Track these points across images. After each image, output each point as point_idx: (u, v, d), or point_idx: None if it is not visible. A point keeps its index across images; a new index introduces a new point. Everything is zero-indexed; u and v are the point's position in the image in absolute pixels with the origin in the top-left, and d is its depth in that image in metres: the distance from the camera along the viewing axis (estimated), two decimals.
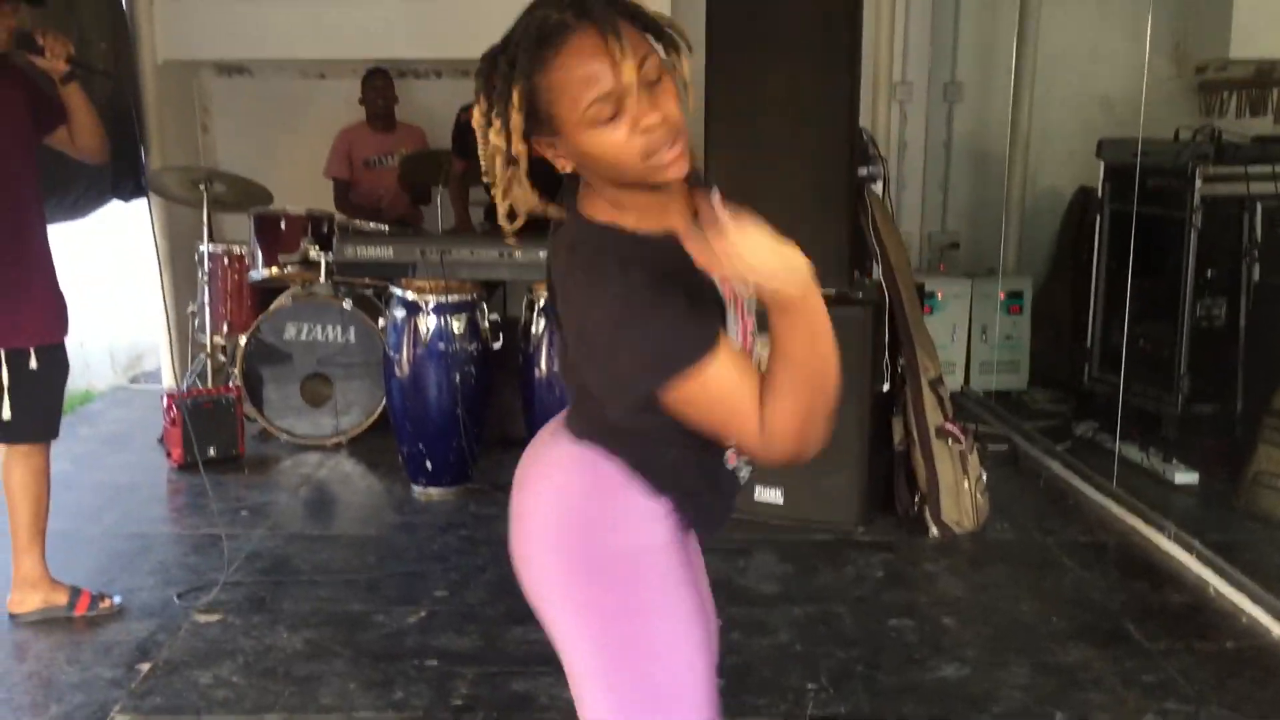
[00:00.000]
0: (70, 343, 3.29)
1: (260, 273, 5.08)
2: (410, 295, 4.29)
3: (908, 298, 4.16)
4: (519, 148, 1.36)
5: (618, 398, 1.44)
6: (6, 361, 3.07)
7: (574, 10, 1.32)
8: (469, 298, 4.34)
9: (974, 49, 6.12)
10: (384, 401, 4.67)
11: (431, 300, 4.27)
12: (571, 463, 1.54)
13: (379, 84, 5.79)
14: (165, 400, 4.67)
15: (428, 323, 4.25)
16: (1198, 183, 4.55)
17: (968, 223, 6.27)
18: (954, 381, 5.56)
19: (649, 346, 1.35)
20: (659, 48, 1.38)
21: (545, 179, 1.46)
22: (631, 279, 1.35)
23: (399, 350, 4.29)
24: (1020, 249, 6.07)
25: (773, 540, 3.89)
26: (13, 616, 3.25)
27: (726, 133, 3.89)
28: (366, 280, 4.95)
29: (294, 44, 5.82)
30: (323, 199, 5.61)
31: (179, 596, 3.43)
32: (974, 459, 4.00)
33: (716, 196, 1.39)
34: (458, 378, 4.26)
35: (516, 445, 1.83)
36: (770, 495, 4.01)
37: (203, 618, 3.31)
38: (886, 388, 4.10)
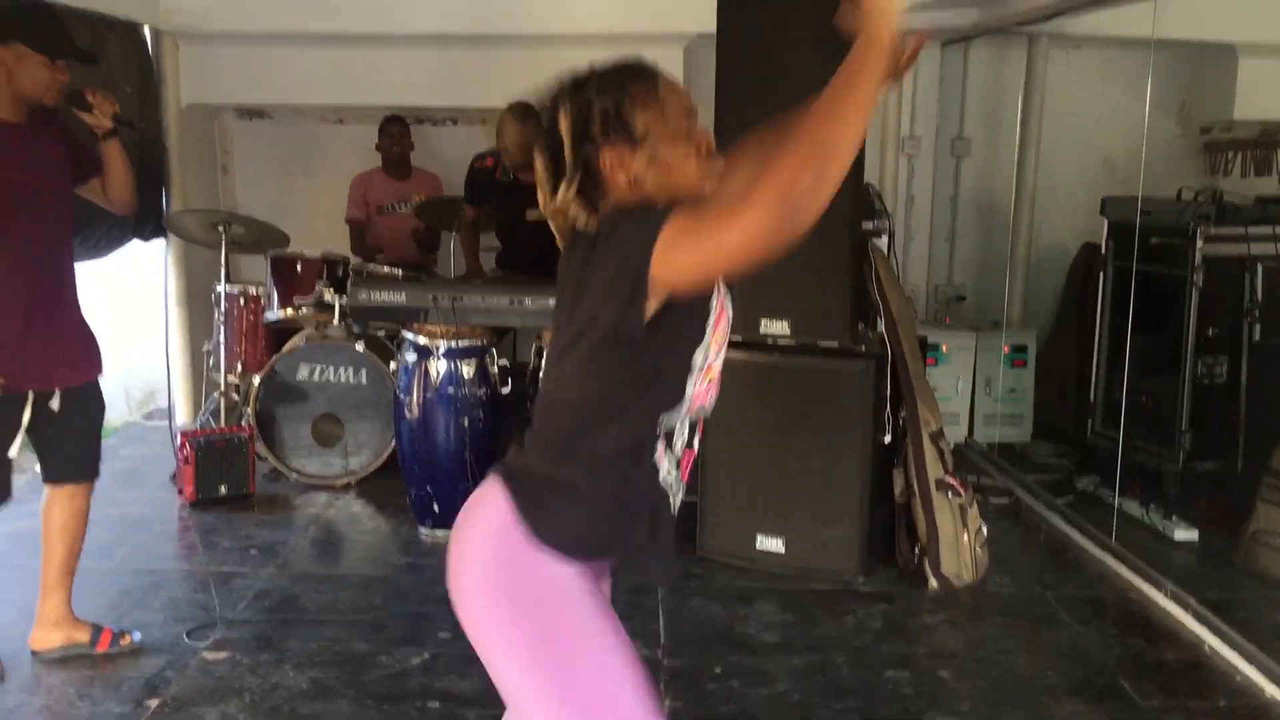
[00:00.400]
0: None
1: (275, 313, 5.18)
2: (422, 340, 4.37)
3: (910, 351, 4.22)
4: (595, 143, 1.66)
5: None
6: (33, 404, 3.14)
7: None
8: (479, 343, 4.41)
9: (981, 105, 6.22)
10: (393, 443, 4.73)
11: (442, 345, 4.35)
12: (495, 502, 1.74)
13: (395, 131, 5.91)
14: (179, 438, 4.75)
15: (438, 367, 4.33)
16: (1199, 242, 4.61)
17: (973, 276, 6.34)
18: (958, 433, 5.61)
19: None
20: None
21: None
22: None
23: (409, 393, 4.37)
24: (1025, 303, 6.13)
25: (774, 589, 3.93)
26: (34, 653, 3.31)
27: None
28: (379, 323, 5.03)
29: (314, 89, 5.97)
30: (338, 242, 5.72)
31: (189, 634, 3.49)
32: (974, 512, 4.04)
33: None
34: (466, 421, 4.33)
35: None
36: (772, 545, 4.06)
37: (210, 655, 3.37)
38: (888, 439, 4.16)
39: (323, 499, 4.87)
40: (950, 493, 4.02)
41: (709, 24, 4.07)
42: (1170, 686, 3.30)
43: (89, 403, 3.30)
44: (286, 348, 5.08)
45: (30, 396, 3.13)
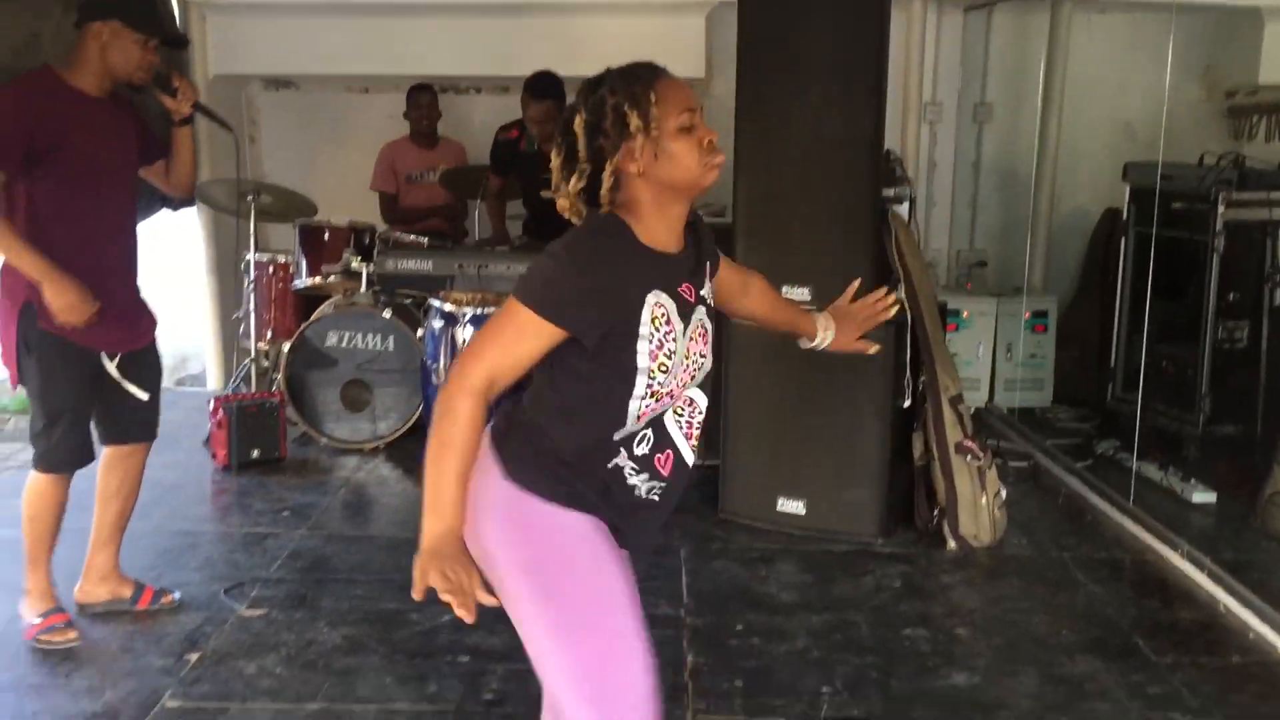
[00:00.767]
0: None
1: (304, 281, 5.26)
2: (448, 306, 4.45)
3: (929, 317, 4.27)
4: (608, 136, 1.78)
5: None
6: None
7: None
8: None
9: (1004, 71, 6.21)
10: (420, 408, 4.82)
11: (468, 311, 4.42)
12: (484, 448, 1.89)
13: (423, 100, 5.94)
14: (212, 404, 4.86)
15: (464, 333, 4.40)
16: (1220, 208, 4.62)
17: (995, 242, 6.36)
18: (978, 398, 5.65)
19: (538, 275, 1.78)
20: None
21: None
22: (590, 242, 1.79)
23: (436, 359, 4.45)
24: (1046, 269, 6.15)
25: (794, 550, 4.01)
26: (80, 606, 3.42)
27: (755, 154, 4.01)
28: (406, 291, 5.11)
29: (340, 60, 6.02)
30: (365, 211, 5.79)
31: (226, 592, 3.60)
32: (992, 475, 4.10)
33: None
34: None
35: None
36: (793, 506, 4.13)
37: (247, 612, 3.48)
38: (908, 404, 4.21)
39: (352, 462, 4.97)
40: (969, 456, 4.07)
41: None
42: (1184, 644, 3.36)
43: (149, 365, 3.39)
44: (315, 315, 5.17)
45: (104, 357, 3.23)
